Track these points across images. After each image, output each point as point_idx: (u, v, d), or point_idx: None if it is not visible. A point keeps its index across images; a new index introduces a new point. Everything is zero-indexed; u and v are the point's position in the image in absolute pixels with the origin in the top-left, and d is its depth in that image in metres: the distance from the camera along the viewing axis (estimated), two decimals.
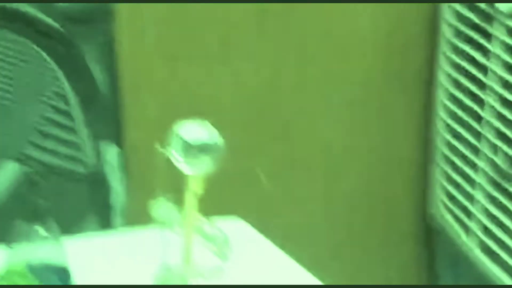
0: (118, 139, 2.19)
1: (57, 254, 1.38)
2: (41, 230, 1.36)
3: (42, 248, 1.36)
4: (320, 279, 1.59)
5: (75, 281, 1.39)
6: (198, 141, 1.21)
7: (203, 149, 1.21)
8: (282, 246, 1.69)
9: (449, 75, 2.73)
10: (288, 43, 2.75)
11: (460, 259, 2.69)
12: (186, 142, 1.20)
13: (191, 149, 1.20)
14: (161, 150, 1.22)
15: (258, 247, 1.71)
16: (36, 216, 1.37)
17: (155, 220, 1.29)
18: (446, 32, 2.74)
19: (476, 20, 2.59)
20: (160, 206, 1.29)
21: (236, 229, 1.65)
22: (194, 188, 1.24)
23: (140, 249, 1.25)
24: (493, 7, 2.47)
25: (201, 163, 1.21)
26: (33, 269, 1.33)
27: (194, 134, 1.21)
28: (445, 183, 2.75)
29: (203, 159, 1.21)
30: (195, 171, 1.22)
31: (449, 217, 2.73)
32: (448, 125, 2.75)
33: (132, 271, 1.26)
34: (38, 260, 1.35)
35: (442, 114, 2.77)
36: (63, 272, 1.38)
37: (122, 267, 1.26)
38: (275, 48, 2.74)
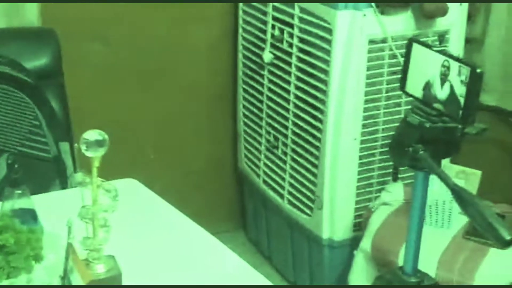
0: (68, 139, 2.16)
1: (28, 203, 1.36)
2: (19, 192, 1.36)
3: (19, 200, 1.35)
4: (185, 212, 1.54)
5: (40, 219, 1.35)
6: (94, 139, 1.18)
7: (97, 143, 1.18)
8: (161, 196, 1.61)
9: (244, 74, 2.65)
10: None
11: (255, 191, 2.68)
12: (88, 140, 1.18)
13: (91, 144, 1.18)
14: (78, 145, 1.19)
15: (144, 197, 1.62)
16: (16, 184, 1.36)
17: (79, 183, 1.24)
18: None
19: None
20: (81, 175, 1.24)
21: (130, 186, 1.64)
22: (95, 164, 1.20)
23: (77, 198, 1.23)
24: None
25: (96, 151, 1.18)
26: (14, 212, 1.31)
27: (92, 136, 1.18)
28: (246, 150, 2.71)
29: (98, 149, 1.18)
30: (94, 155, 1.18)
31: (248, 169, 2.70)
32: (244, 112, 2.67)
33: (75, 210, 1.23)
34: (17, 206, 1.34)
35: (241, 104, 2.66)
36: (32, 212, 1.36)
37: (71, 208, 1.23)
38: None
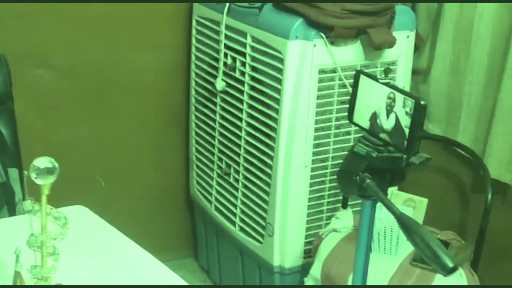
0: (17, 166, 2.13)
1: None
2: None
3: None
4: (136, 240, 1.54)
5: None
6: (44, 166, 1.16)
7: (47, 171, 1.16)
8: (113, 223, 1.60)
9: (195, 100, 2.63)
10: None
11: (207, 217, 2.67)
12: (38, 167, 1.16)
13: (41, 171, 1.16)
14: (26, 173, 1.17)
15: (93, 224, 1.61)
16: None
17: (28, 210, 1.21)
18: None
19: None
20: (30, 202, 1.20)
21: (79, 213, 1.62)
22: (45, 191, 1.18)
23: (26, 225, 1.21)
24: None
25: (46, 179, 1.16)
26: None
27: (42, 163, 1.17)
28: (198, 176, 2.71)
29: (48, 176, 1.16)
30: (44, 182, 1.17)
31: (200, 196, 2.70)
32: (196, 139, 2.66)
33: (23, 237, 1.21)
34: None
35: (194, 131, 2.65)
36: None
37: (19, 235, 1.21)
38: None
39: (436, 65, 2.36)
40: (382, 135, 1.23)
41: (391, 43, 2.19)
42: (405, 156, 1.20)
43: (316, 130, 2.23)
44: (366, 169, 1.22)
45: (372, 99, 1.24)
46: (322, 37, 2.13)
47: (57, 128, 2.51)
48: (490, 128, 2.19)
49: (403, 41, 2.27)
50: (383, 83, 1.22)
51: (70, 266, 1.26)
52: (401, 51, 2.27)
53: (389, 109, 1.21)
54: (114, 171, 2.67)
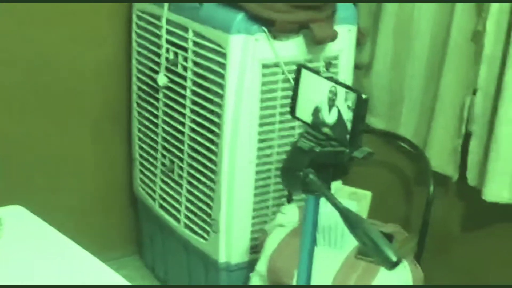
0: None
1: None
2: None
3: None
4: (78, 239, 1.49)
5: None
6: None
7: None
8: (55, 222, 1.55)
9: (138, 105, 2.58)
10: None
11: (151, 215, 2.62)
12: None
13: None
14: None
15: (30, 224, 1.55)
16: None
17: None
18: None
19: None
20: None
21: (16, 213, 1.56)
22: None
23: None
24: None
25: None
26: None
27: None
28: (141, 173, 2.66)
29: None
30: None
31: (144, 193, 2.65)
32: (139, 135, 2.62)
33: None
34: None
35: (136, 127, 2.60)
36: None
37: None
38: None
39: (378, 59, 2.38)
40: (325, 130, 1.22)
41: (333, 37, 2.19)
42: (347, 150, 1.20)
43: (260, 125, 2.21)
44: (309, 164, 1.21)
45: (314, 93, 1.23)
46: (265, 32, 2.11)
47: None
48: (431, 121, 2.21)
49: (345, 36, 2.27)
50: (325, 77, 1.21)
51: (6, 267, 1.21)
52: (343, 46, 2.27)
53: (331, 104, 1.20)
54: (54, 168, 2.61)
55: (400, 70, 2.31)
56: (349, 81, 2.34)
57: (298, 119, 1.26)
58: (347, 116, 1.17)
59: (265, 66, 2.15)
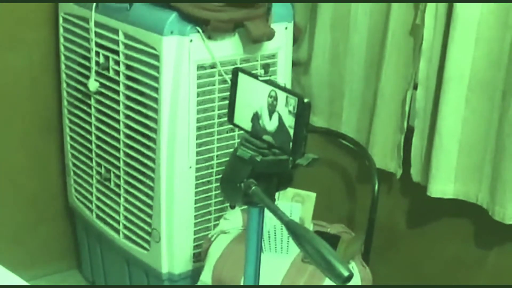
0: None
1: None
2: None
3: None
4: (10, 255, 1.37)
5: None
6: None
7: None
8: None
9: (69, 112, 2.49)
10: None
11: (88, 226, 2.51)
12: None
13: None
14: None
15: None
16: None
17: None
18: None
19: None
20: None
21: None
22: None
23: None
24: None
25: None
26: None
27: None
28: (75, 183, 2.53)
29: None
30: None
31: (80, 204, 2.53)
32: (72, 144, 2.49)
33: None
34: None
35: (68, 135, 2.48)
36: None
37: None
38: None
39: (316, 55, 2.32)
40: (266, 137, 1.13)
41: (269, 35, 2.12)
42: (291, 158, 1.11)
43: (198, 129, 2.12)
44: (250, 174, 1.12)
45: (252, 98, 1.14)
46: (199, 32, 2.02)
47: None
48: (372, 117, 2.16)
49: (282, 33, 2.20)
50: (263, 81, 1.12)
51: None
52: (280, 43, 2.20)
53: (271, 109, 1.11)
54: None
55: (339, 65, 2.25)
56: (288, 79, 2.27)
57: (237, 126, 1.17)
58: (289, 122, 1.09)
59: (200, 67, 2.06)
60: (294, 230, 1.06)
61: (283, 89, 1.09)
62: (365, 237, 2.08)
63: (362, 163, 2.24)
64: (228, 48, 2.10)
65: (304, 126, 1.08)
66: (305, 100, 1.07)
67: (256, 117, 1.14)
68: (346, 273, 1.01)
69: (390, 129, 2.11)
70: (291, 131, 1.08)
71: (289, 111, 1.08)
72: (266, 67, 2.17)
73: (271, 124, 1.12)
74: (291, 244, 2.00)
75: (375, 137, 2.14)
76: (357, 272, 1.99)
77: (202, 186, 2.18)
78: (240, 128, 1.17)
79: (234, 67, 1.18)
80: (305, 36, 2.36)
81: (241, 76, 1.16)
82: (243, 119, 1.17)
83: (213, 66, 2.08)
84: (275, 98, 1.10)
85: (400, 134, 2.08)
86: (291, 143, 1.09)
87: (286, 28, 2.21)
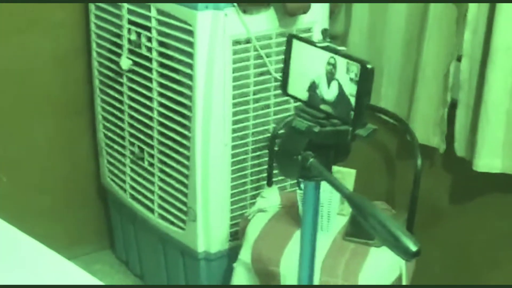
0: None
1: None
2: None
3: None
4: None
5: None
6: None
7: None
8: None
9: (102, 99, 2.43)
10: None
11: (122, 206, 2.46)
12: None
13: None
14: None
15: None
16: None
17: None
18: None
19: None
20: None
21: None
22: None
23: None
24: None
25: None
26: None
27: None
28: (109, 164, 2.48)
29: None
30: None
31: (113, 184, 2.48)
32: (104, 123, 2.42)
33: None
34: None
35: (100, 115, 2.42)
36: None
37: None
38: None
39: (353, 29, 2.24)
40: (323, 107, 1.06)
41: (305, 8, 2.04)
42: (351, 128, 1.04)
43: (234, 105, 2.05)
44: (308, 146, 1.05)
45: (309, 66, 1.07)
46: (234, 6, 1.95)
47: None
48: (413, 91, 2.08)
49: (318, 6, 2.12)
50: (321, 47, 1.05)
51: None
52: (316, 17, 2.13)
53: (330, 77, 1.04)
54: (15, 165, 2.41)
55: (377, 39, 2.17)
56: None
57: (291, 96, 1.10)
58: (350, 90, 1.01)
59: (235, 42, 2.00)
60: (357, 203, 0.99)
61: (344, 55, 1.02)
62: (407, 215, 2.00)
63: (403, 139, 2.16)
64: (263, 22, 2.03)
65: (367, 94, 1.01)
66: (369, 66, 0.99)
67: (313, 86, 1.07)
68: (414, 248, 0.94)
69: (432, 102, 2.03)
70: (352, 100, 1.01)
71: (351, 79, 1.01)
72: (325, 32, 2.08)
73: (329, 93, 1.05)
74: (331, 221, 1.94)
75: (416, 112, 2.06)
76: None
77: (237, 164, 2.12)
78: (295, 99, 1.10)
79: (288, 34, 1.10)
80: (342, 9, 2.28)
81: (296, 43, 1.09)
82: (298, 89, 1.09)
83: (248, 41, 2.01)
84: (334, 66, 1.03)
85: (443, 108, 2.01)
86: (352, 112, 1.02)
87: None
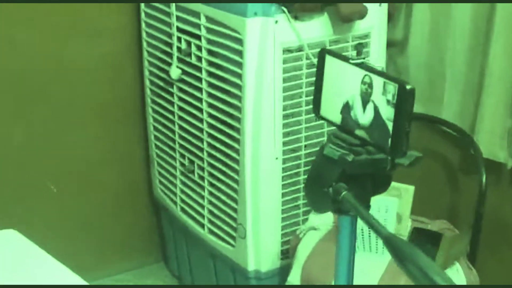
0: None
1: None
2: None
3: None
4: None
5: None
6: None
7: None
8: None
9: (152, 101, 2.35)
10: None
11: (173, 220, 2.38)
12: None
13: None
14: None
15: (22, 249, 1.35)
16: None
17: None
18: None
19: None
20: None
21: (7, 237, 1.37)
22: None
23: None
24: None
25: None
26: None
27: None
28: (160, 175, 2.41)
29: None
30: None
31: (164, 196, 2.41)
32: (155, 134, 2.37)
33: None
34: None
35: (151, 125, 2.36)
36: None
37: None
38: None
39: (414, 33, 2.10)
40: (358, 132, 0.93)
41: (362, 13, 1.91)
42: (389, 157, 0.90)
43: (285, 117, 1.94)
44: (340, 177, 0.92)
45: (342, 85, 0.94)
46: (284, 12, 1.83)
47: None
48: (478, 100, 1.91)
49: (375, 11, 1.99)
50: (355, 64, 0.91)
51: None
52: (373, 22, 1.99)
53: (365, 98, 0.91)
54: (64, 176, 2.36)
55: (439, 43, 2.03)
56: (382, 61, 2.05)
57: (323, 119, 0.97)
58: (387, 113, 0.88)
59: (287, 50, 1.89)
60: (395, 245, 0.85)
61: (380, 73, 0.88)
62: (471, 235, 1.84)
63: (466, 152, 1.99)
64: (316, 29, 1.92)
65: (407, 118, 0.86)
66: (408, 87, 0.86)
67: (346, 108, 0.93)
68: None
69: (499, 113, 1.87)
70: (390, 125, 0.87)
71: (388, 101, 0.87)
72: (358, 48, 1.95)
73: (365, 117, 0.91)
74: None
75: (481, 123, 1.90)
76: (463, 275, 1.77)
77: (289, 178, 2.00)
78: (328, 121, 0.97)
79: (322, 48, 0.97)
80: (401, 13, 2.13)
81: (329, 59, 0.96)
82: (331, 110, 0.96)
83: (300, 49, 1.91)
84: (370, 85, 0.90)
85: (511, 119, 1.82)
86: (389, 140, 0.88)
87: (380, 5, 1.99)
